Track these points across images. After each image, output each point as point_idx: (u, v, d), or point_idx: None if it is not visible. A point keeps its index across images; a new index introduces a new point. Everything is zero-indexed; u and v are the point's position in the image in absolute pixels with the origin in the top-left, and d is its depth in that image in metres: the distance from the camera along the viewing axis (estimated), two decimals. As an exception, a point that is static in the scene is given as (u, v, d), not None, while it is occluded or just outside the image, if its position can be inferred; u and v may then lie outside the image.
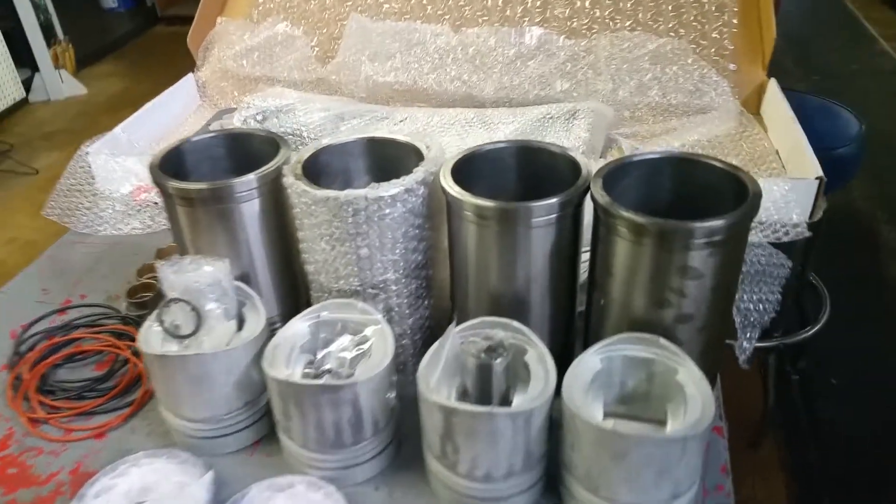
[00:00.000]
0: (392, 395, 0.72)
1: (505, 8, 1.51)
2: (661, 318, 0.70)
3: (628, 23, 1.47)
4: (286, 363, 0.72)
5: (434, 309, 0.83)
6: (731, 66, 1.40)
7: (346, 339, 0.75)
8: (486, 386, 0.68)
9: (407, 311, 0.79)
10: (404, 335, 0.81)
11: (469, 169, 0.77)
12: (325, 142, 0.82)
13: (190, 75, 1.55)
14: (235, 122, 1.30)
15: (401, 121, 1.33)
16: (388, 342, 0.71)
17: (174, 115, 1.47)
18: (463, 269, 0.76)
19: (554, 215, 0.71)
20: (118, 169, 1.21)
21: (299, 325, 0.75)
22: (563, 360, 0.68)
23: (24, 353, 0.91)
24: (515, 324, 0.71)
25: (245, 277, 0.82)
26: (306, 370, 0.74)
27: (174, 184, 0.77)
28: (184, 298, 0.75)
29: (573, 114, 1.28)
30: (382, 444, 0.73)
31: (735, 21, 1.43)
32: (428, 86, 1.45)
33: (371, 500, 0.72)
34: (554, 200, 0.70)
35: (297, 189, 0.73)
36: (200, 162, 0.85)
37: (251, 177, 0.78)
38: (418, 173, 0.73)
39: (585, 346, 0.74)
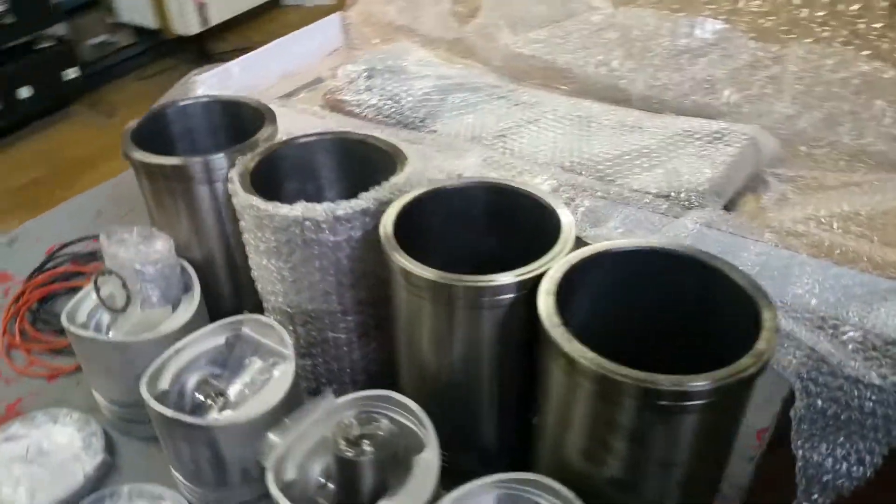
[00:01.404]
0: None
1: (689, -12, 1.28)
2: (591, 472, 0.54)
3: (844, 33, 1.17)
4: (180, 372, 0.67)
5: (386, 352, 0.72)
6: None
7: (256, 365, 0.67)
8: (347, 482, 0.57)
9: (345, 349, 0.70)
10: (342, 373, 0.71)
11: (430, 209, 0.64)
12: (300, 136, 0.73)
13: (336, 14, 1.51)
14: (341, 75, 1.24)
15: (517, 104, 1.19)
16: (284, 386, 0.63)
17: (306, 54, 1.44)
18: (396, 332, 0.64)
19: (509, 296, 0.56)
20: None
21: (214, 334, 0.69)
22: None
23: (39, 272, 0.95)
24: (415, 408, 0.59)
25: (206, 263, 0.77)
26: (198, 387, 0.67)
27: (137, 155, 0.73)
28: (116, 272, 0.72)
29: (720, 136, 1.06)
30: (255, 495, 0.65)
31: None
32: (569, 67, 1.27)
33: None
34: (508, 280, 0.55)
35: (230, 188, 0.66)
36: (189, 129, 0.81)
37: (212, 157, 0.71)
38: (363, 201, 0.62)
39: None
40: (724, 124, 1.07)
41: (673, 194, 0.96)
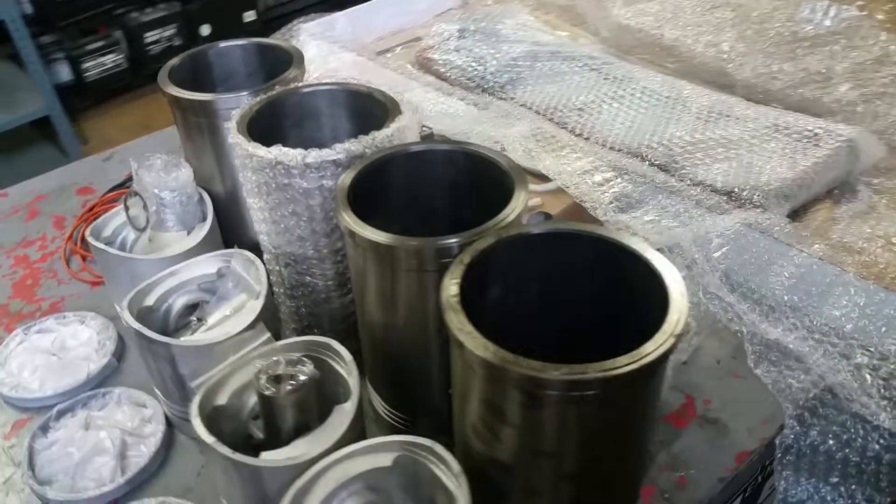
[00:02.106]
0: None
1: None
2: (482, 452, 0.53)
3: None
4: (169, 293, 0.72)
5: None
6: None
7: (240, 298, 0.72)
8: (268, 417, 0.60)
9: (323, 296, 0.72)
10: (322, 319, 0.74)
11: (399, 170, 0.64)
12: (311, 81, 0.75)
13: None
14: (433, 33, 1.25)
15: (608, 78, 1.15)
16: (246, 321, 0.66)
17: (418, 11, 1.45)
18: (354, 290, 0.66)
19: (450, 260, 0.56)
20: (316, 54, 1.26)
21: (209, 263, 0.74)
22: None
23: (114, 189, 1.06)
24: (348, 360, 0.61)
25: (227, 196, 0.82)
26: (185, 309, 0.73)
27: (169, 89, 0.78)
28: (140, 194, 0.78)
29: (814, 135, 0.97)
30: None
31: None
32: (676, 44, 1.20)
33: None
34: (448, 242, 0.55)
35: (227, 127, 0.69)
36: (228, 70, 0.85)
37: (234, 95, 0.76)
38: (334, 151, 0.64)
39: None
40: (822, 123, 0.98)
41: (736, 190, 0.90)
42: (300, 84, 0.75)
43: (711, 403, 0.72)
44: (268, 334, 0.63)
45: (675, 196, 0.87)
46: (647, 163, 0.96)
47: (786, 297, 0.75)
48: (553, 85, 1.15)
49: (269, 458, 0.55)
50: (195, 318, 0.72)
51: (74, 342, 0.82)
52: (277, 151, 0.63)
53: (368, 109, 0.72)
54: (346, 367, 0.61)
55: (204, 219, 0.80)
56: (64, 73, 2.93)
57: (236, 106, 0.73)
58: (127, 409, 0.74)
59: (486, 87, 1.15)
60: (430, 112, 1.06)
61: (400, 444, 0.55)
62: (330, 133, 0.75)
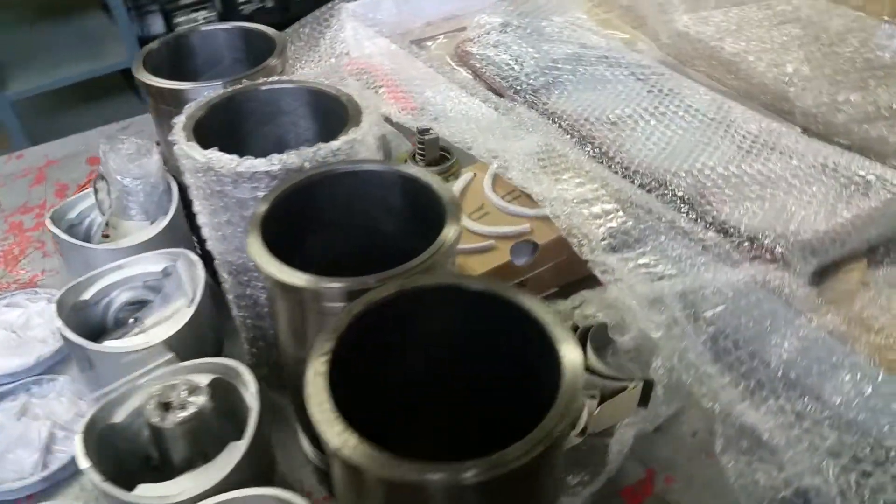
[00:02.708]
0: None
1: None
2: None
3: None
4: (111, 288, 0.70)
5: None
6: None
7: (178, 302, 0.69)
8: (157, 443, 0.56)
9: (265, 309, 0.68)
10: (266, 333, 0.70)
11: (327, 192, 0.58)
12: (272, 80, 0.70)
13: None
14: (475, 24, 1.18)
15: (652, 90, 1.05)
16: (168, 332, 0.63)
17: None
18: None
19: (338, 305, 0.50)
20: (352, 38, 1.21)
21: (157, 260, 0.71)
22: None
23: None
24: (253, 391, 0.57)
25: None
26: (124, 306, 0.70)
27: (140, 76, 0.75)
28: (106, 178, 0.76)
29: (865, 182, 0.86)
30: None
31: None
32: (736, 60, 1.09)
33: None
34: (336, 285, 0.50)
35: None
36: (215, 57, 0.81)
37: (205, 85, 0.72)
38: (269, 162, 0.59)
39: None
40: (878, 169, 0.87)
41: (759, 237, 0.80)
42: (265, 80, 0.70)
43: (674, 483, 0.65)
44: (170, 354, 0.59)
45: (682, 239, 0.78)
46: (669, 193, 0.87)
47: (779, 374, 0.66)
48: (591, 93, 1.06)
49: (142, 492, 0.52)
50: (133, 319, 0.69)
51: (39, 321, 0.81)
52: (211, 156, 0.59)
53: (337, 113, 0.67)
54: (250, 397, 0.57)
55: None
56: (157, 25, 3.01)
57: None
58: (66, 400, 0.73)
59: (518, 88, 1.08)
60: (449, 112, 1.00)
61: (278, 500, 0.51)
62: (295, 136, 0.71)
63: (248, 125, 0.69)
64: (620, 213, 0.78)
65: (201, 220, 0.66)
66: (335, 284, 0.48)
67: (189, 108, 0.65)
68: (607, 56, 1.12)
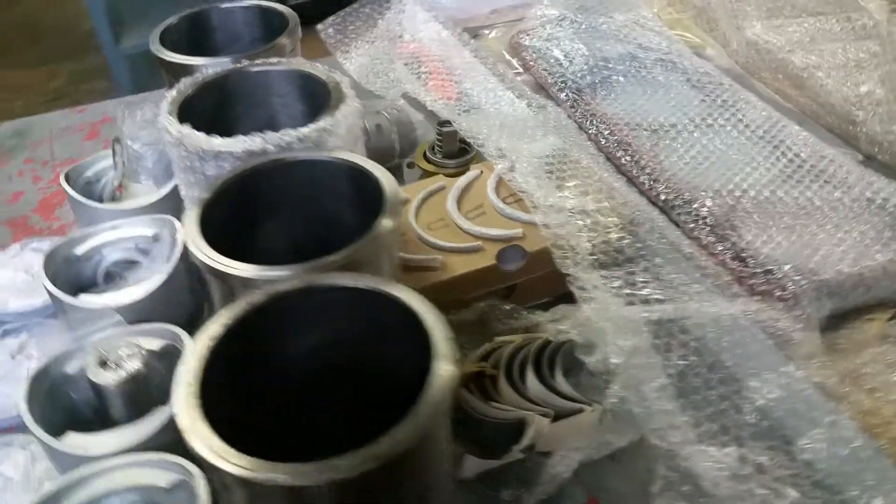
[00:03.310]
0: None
1: None
2: None
3: None
4: (104, 245, 0.74)
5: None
6: None
7: (162, 267, 0.72)
8: (96, 397, 0.59)
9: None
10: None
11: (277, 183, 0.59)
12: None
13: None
14: (532, 16, 1.16)
15: (706, 99, 1.00)
16: (137, 294, 0.66)
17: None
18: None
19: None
20: (409, 21, 1.21)
21: (150, 223, 0.74)
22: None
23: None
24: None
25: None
26: (113, 263, 0.74)
27: (154, 48, 0.78)
28: (121, 141, 0.80)
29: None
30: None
31: None
32: (805, 74, 1.02)
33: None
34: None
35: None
36: (233, 35, 0.83)
37: (217, 60, 0.74)
38: (233, 142, 0.60)
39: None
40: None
41: (774, 269, 0.75)
42: (261, 61, 0.71)
43: (616, 517, 0.62)
44: (117, 317, 0.62)
45: (682, 263, 0.74)
46: (692, 211, 0.83)
47: (749, 421, 0.62)
48: (639, 97, 1.02)
49: (68, 440, 0.55)
50: (119, 275, 0.73)
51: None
52: (183, 132, 0.61)
53: (325, 99, 0.67)
54: (189, 371, 0.59)
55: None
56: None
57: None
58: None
59: (563, 86, 1.05)
60: (483, 105, 0.99)
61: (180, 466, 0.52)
62: (287, 118, 0.72)
63: (240, 105, 0.70)
64: (618, 229, 0.75)
65: (182, 192, 0.68)
66: (240, 272, 0.48)
67: (181, 85, 0.67)
68: (664, 59, 1.07)
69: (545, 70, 1.08)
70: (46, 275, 0.68)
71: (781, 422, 0.62)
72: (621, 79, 1.05)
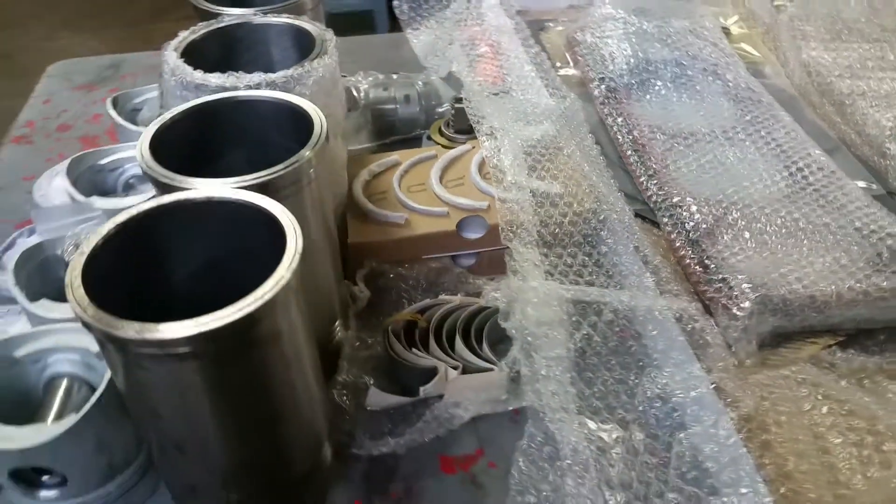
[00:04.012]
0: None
1: None
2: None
3: None
4: (129, 163, 0.86)
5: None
6: None
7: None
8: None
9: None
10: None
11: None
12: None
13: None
14: (591, 12, 1.19)
15: (743, 111, 1.01)
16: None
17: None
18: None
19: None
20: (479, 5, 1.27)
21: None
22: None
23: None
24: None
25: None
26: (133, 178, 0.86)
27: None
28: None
29: (890, 264, 0.78)
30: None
31: None
32: (847, 101, 1.00)
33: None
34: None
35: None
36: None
37: (238, 10, 0.83)
38: (209, 78, 0.70)
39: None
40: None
41: (730, 278, 0.77)
42: (261, 14, 0.80)
43: (494, 469, 0.67)
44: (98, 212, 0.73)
45: (629, 256, 0.77)
46: (682, 217, 0.85)
47: (640, 408, 0.65)
48: (670, 103, 1.05)
49: (40, 304, 0.67)
50: (135, 189, 0.85)
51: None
52: (176, 64, 0.71)
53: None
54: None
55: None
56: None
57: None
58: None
59: (600, 82, 1.09)
60: (512, 89, 1.04)
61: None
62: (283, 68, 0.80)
63: (244, 52, 0.80)
64: (573, 214, 0.79)
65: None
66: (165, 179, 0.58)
67: (194, 28, 0.78)
68: (709, 69, 1.08)
69: (588, 66, 1.12)
70: (69, 178, 0.81)
71: (669, 414, 0.64)
72: (658, 83, 1.07)
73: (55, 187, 0.83)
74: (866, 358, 0.71)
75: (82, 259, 0.51)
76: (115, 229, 0.54)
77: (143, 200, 0.70)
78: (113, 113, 0.90)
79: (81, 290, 0.48)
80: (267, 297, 0.47)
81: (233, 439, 0.54)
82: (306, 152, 0.60)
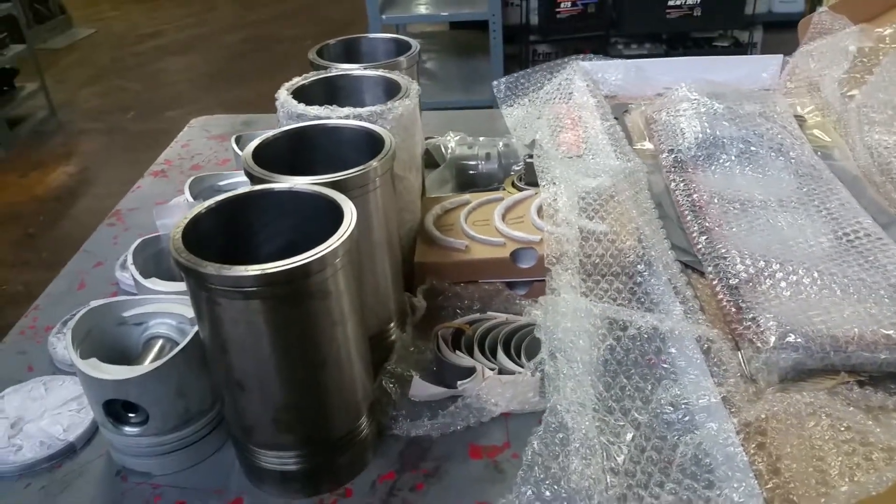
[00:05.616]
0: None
1: None
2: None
3: None
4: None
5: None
6: None
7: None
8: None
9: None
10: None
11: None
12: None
13: (779, 56, 1.47)
14: (670, 93, 1.30)
15: (802, 185, 1.07)
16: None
17: (720, 80, 1.46)
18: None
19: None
20: (570, 87, 1.41)
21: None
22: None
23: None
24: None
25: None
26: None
27: (311, 55, 1.06)
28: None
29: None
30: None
31: None
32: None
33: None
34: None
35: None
36: (373, 54, 1.09)
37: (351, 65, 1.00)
38: (311, 110, 0.85)
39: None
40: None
41: (761, 319, 0.84)
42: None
43: (517, 460, 0.75)
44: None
45: (663, 287, 0.85)
46: (720, 263, 0.93)
47: (653, 413, 0.72)
48: (734, 175, 1.13)
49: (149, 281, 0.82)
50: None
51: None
52: (285, 99, 0.88)
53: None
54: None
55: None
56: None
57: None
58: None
59: (669, 153, 1.18)
60: (585, 155, 1.15)
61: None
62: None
63: (346, 97, 0.96)
64: (615, 249, 0.88)
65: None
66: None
67: (302, 77, 0.95)
68: (774, 147, 1.16)
69: (661, 140, 1.22)
70: (190, 192, 0.97)
71: (679, 419, 0.71)
72: (724, 156, 1.16)
73: (177, 200, 1.01)
74: (886, 396, 0.75)
75: (185, 221, 0.65)
76: (214, 204, 0.68)
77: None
78: (235, 147, 1.08)
79: (180, 240, 0.62)
80: (317, 256, 0.59)
81: (285, 381, 0.66)
82: (374, 162, 0.74)
